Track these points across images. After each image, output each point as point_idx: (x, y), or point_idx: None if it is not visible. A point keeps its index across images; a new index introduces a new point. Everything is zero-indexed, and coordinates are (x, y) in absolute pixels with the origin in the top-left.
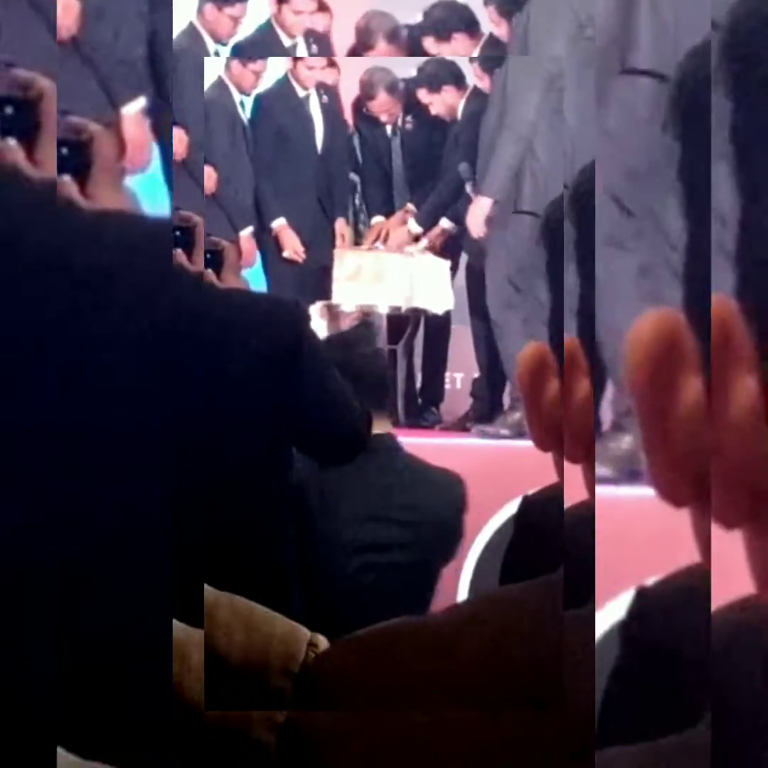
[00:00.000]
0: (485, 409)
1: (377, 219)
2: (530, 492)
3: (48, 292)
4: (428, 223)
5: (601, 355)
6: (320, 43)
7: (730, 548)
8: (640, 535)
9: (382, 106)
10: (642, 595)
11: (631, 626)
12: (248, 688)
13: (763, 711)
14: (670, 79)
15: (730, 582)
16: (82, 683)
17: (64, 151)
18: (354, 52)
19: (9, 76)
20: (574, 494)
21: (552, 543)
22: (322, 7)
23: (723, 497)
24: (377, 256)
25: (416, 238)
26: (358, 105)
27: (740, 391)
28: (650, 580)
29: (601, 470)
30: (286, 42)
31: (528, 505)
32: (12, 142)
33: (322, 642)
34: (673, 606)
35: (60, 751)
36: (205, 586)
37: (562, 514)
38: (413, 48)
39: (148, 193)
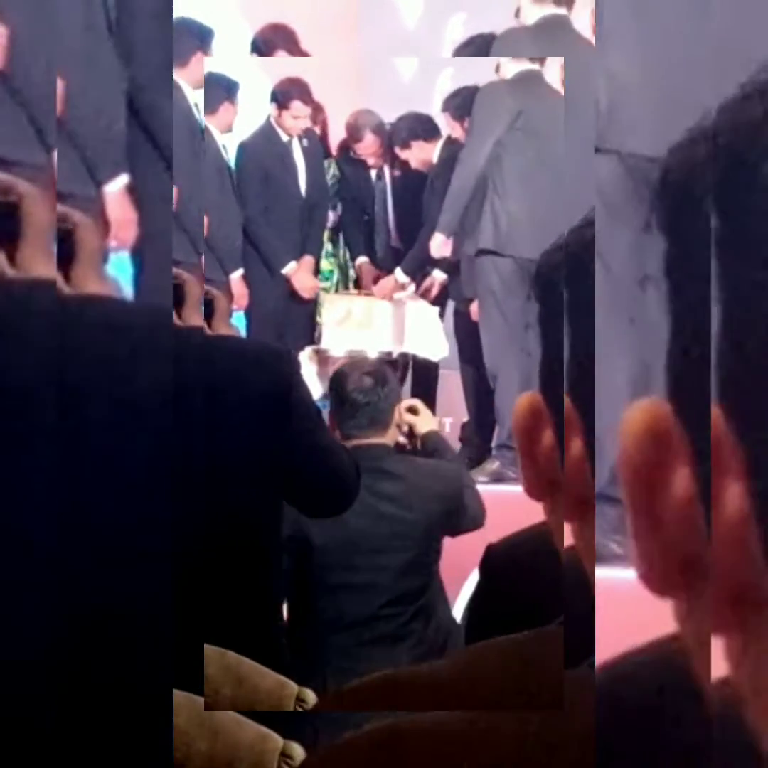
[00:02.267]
0: (474, 453)
1: (361, 260)
2: (493, 541)
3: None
4: (414, 271)
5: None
6: (311, 138)
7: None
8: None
9: (369, 149)
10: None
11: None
12: None
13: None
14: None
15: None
16: (81, 745)
17: None
18: (345, 145)
19: None
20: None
21: (517, 590)
22: (317, 109)
23: (656, 567)
24: (366, 301)
25: (402, 287)
26: (344, 148)
27: (678, 484)
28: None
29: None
30: (284, 138)
31: (491, 553)
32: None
33: (297, 751)
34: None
35: None
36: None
37: (531, 559)
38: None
39: (125, 273)
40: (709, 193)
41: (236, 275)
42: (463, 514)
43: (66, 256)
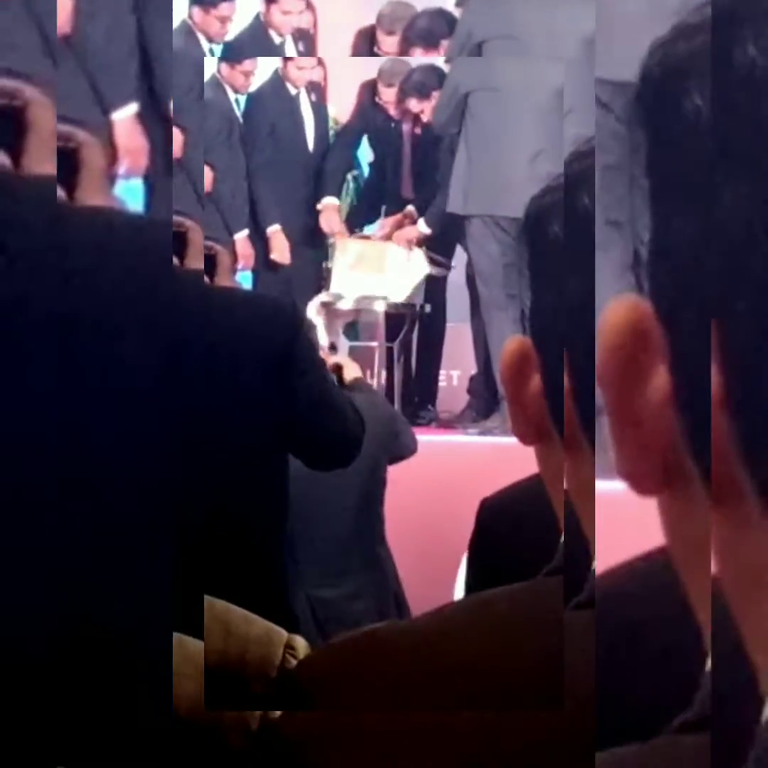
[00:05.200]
0: (482, 406)
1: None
2: (487, 495)
3: (42, 287)
4: (436, 223)
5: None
6: (306, 41)
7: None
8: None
9: (396, 97)
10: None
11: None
12: (224, 692)
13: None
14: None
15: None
16: (80, 688)
17: None
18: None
19: None
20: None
21: (510, 543)
22: (309, 6)
23: (638, 466)
24: (380, 246)
25: (426, 238)
26: (370, 94)
27: (657, 381)
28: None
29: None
30: (276, 40)
31: (486, 507)
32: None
33: (300, 644)
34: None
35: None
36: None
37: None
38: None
39: (135, 199)
40: (689, 87)
41: (241, 235)
42: (398, 439)
43: (70, 176)
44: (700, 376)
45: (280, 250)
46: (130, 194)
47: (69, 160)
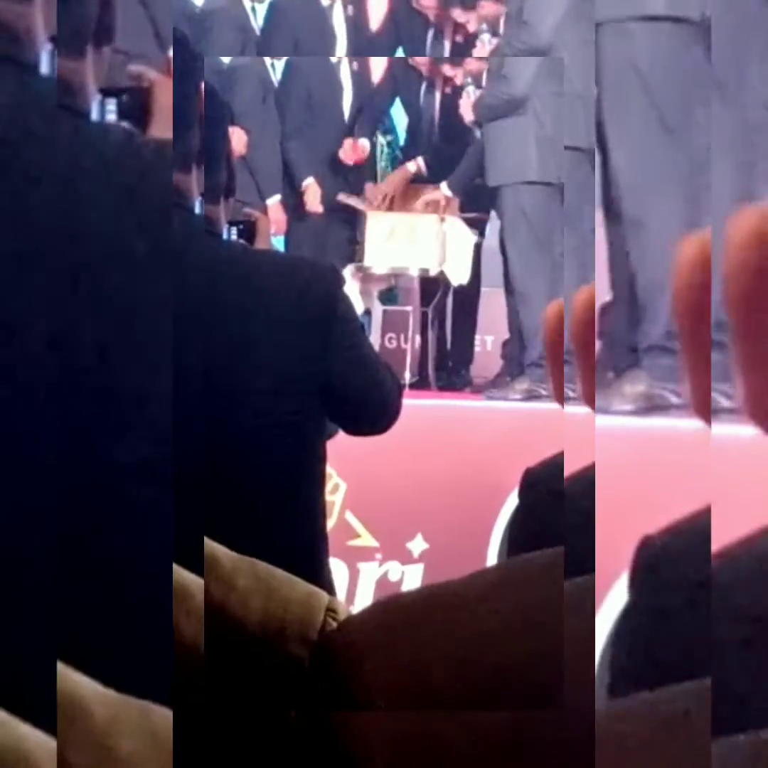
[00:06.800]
0: (515, 370)
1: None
2: (532, 464)
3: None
4: (461, 187)
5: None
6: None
7: None
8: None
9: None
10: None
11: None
12: (265, 655)
13: None
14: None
15: None
16: (83, 623)
17: (125, 98)
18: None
19: (124, 69)
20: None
21: (557, 515)
22: None
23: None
24: (411, 218)
25: (448, 202)
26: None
27: None
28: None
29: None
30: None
31: (531, 477)
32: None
33: (342, 607)
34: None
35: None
36: (227, 550)
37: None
38: None
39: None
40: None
41: (274, 201)
42: None
43: (143, 114)
44: None
45: (313, 201)
46: None
47: (141, 100)
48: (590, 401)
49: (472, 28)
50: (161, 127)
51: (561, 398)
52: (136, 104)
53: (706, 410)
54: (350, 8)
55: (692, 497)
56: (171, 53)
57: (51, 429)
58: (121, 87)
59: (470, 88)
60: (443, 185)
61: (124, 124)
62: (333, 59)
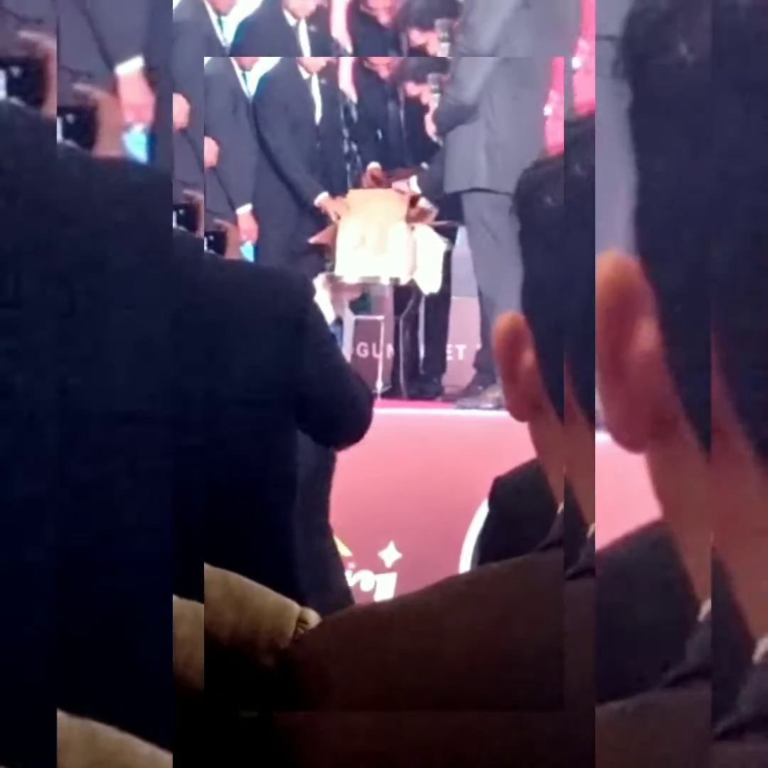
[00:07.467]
0: (488, 380)
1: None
2: (502, 473)
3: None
4: (432, 188)
5: None
6: (319, 22)
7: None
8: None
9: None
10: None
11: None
12: (236, 666)
13: None
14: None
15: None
16: (82, 655)
17: (69, 118)
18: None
19: (16, 37)
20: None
21: (527, 523)
22: None
23: (627, 422)
24: (381, 227)
25: (413, 200)
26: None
27: (642, 335)
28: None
29: None
30: (291, 21)
31: (501, 485)
32: (16, 102)
33: (313, 617)
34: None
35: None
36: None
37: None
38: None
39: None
40: (676, 37)
41: (244, 210)
42: None
43: (88, 134)
44: (693, 333)
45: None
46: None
47: (85, 120)
48: (513, 414)
49: (424, 100)
50: (108, 147)
51: (513, 410)
52: (27, 78)
53: (616, 428)
54: (312, 27)
55: None
56: (118, 71)
57: (30, 462)
58: (12, 56)
59: (435, 96)
60: (412, 180)
61: (13, 99)
62: (304, 75)
